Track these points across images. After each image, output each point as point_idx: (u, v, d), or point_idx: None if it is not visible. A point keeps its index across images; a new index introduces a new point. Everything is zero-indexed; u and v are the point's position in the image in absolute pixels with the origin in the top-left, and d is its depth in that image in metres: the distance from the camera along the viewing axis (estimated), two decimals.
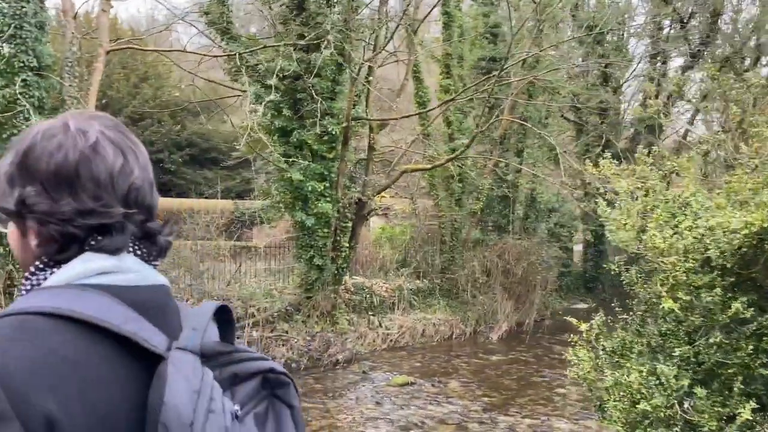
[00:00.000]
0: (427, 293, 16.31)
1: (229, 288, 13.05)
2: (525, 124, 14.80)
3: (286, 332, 12.49)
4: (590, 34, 18.97)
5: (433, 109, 14.13)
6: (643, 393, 3.50)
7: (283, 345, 12.26)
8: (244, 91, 13.23)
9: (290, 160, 12.49)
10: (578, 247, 25.59)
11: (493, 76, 12.24)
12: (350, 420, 9.60)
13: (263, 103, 8.96)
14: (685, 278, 3.55)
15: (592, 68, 21.20)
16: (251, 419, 0.93)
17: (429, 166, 13.58)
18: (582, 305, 22.50)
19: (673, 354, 3.63)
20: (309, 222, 12.87)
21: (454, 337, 15.66)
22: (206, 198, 25.35)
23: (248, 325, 12.03)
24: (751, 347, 3.47)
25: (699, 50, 23.98)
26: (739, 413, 3.14)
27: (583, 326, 4.39)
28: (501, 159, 15.42)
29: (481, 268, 16.55)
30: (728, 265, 3.46)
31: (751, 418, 3.10)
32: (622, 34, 24.96)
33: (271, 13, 13.08)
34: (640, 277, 4.51)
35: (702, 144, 5.43)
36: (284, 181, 12.96)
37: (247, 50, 11.21)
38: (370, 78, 13.12)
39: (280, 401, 1.00)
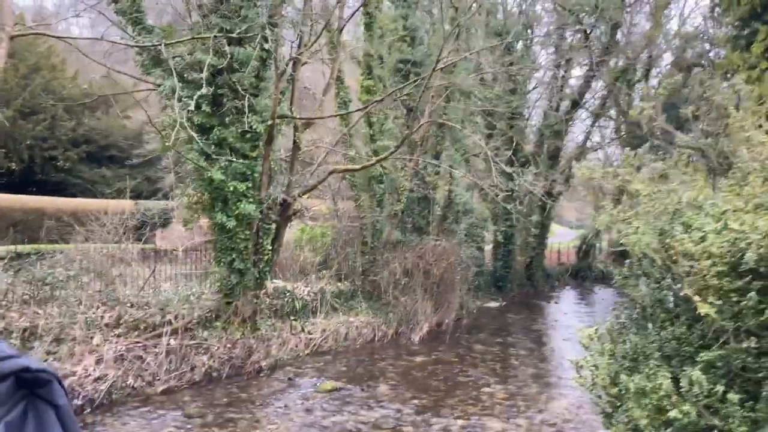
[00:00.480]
0: (349, 296, 16.12)
1: (144, 294, 12.22)
2: (453, 125, 14.95)
3: (206, 340, 11.87)
4: (502, 42, 19.50)
5: (365, 108, 13.93)
6: (671, 400, 3.50)
7: (203, 353, 11.64)
8: (159, 85, 12.52)
9: (212, 158, 11.90)
10: (488, 247, 26.36)
11: (421, 79, 12.28)
12: (282, 429, 9.24)
13: (195, 98, 8.39)
14: (716, 282, 3.59)
15: (502, 75, 21.82)
16: (2, 428, 0.82)
17: (359, 166, 13.40)
18: (493, 304, 23.20)
19: (695, 359, 3.67)
20: (230, 224, 12.31)
21: (376, 339, 15.56)
22: (105, 198, 23.80)
23: (166, 333, 11.32)
24: None
25: (600, 61, 25.38)
26: None
27: (588, 331, 4.37)
28: (431, 162, 15.51)
29: (402, 269, 16.58)
30: (761, 270, 3.54)
31: None
32: (529, 43, 25.92)
33: (188, 3, 12.40)
34: (630, 277, 4.56)
35: (685, 149, 5.63)
36: (203, 180, 12.33)
37: (173, 41, 10.51)
38: (296, 75, 12.76)
39: (43, 401, 0.89)
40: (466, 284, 18.15)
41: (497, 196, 12.74)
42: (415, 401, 10.82)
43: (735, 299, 3.56)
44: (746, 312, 3.53)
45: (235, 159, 12.26)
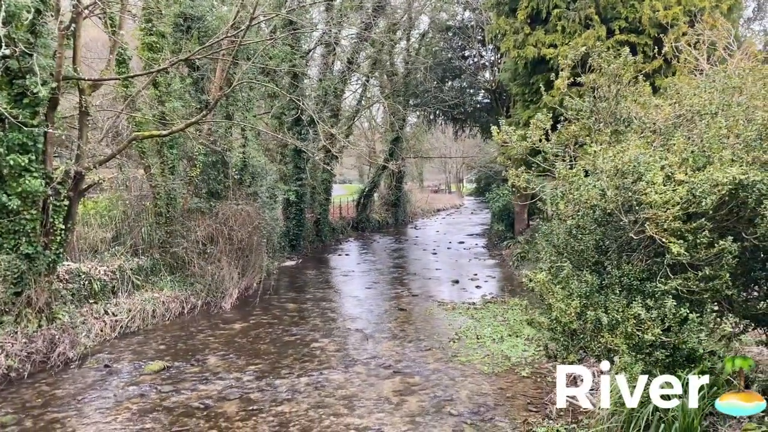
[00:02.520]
0: (150, 271, 15.08)
1: None
2: (272, 86, 14.47)
3: None
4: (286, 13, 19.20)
5: (163, 68, 12.78)
6: (644, 325, 4.11)
7: None
8: None
9: None
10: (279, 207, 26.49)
11: (233, 37, 11.71)
12: (122, 419, 8.57)
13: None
14: (675, 225, 4.25)
15: (284, 35, 21.66)
16: None
17: (166, 131, 12.34)
18: (290, 262, 23.62)
19: (655, 290, 4.34)
20: (12, 203, 10.67)
21: (186, 312, 14.91)
22: None
23: None
24: (728, 276, 4.35)
25: (371, 21, 26.50)
26: (719, 327, 3.99)
27: (539, 276, 4.83)
28: (243, 123, 14.86)
29: (204, 237, 15.98)
30: (711, 213, 4.26)
31: (731, 330, 3.98)
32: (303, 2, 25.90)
33: None
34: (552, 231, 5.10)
35: (583, 112, 6.30)
36: None
37: None
38: (77, 31, 11.20)
39: None
40: (270, 246, 18.16)
41: (316, 155, 12.83)
42: (252, 367, 10.79)
43: (690, 238, 4.38)
44: (700, 247, 4.37)
45: (7, 128, 10.56)
